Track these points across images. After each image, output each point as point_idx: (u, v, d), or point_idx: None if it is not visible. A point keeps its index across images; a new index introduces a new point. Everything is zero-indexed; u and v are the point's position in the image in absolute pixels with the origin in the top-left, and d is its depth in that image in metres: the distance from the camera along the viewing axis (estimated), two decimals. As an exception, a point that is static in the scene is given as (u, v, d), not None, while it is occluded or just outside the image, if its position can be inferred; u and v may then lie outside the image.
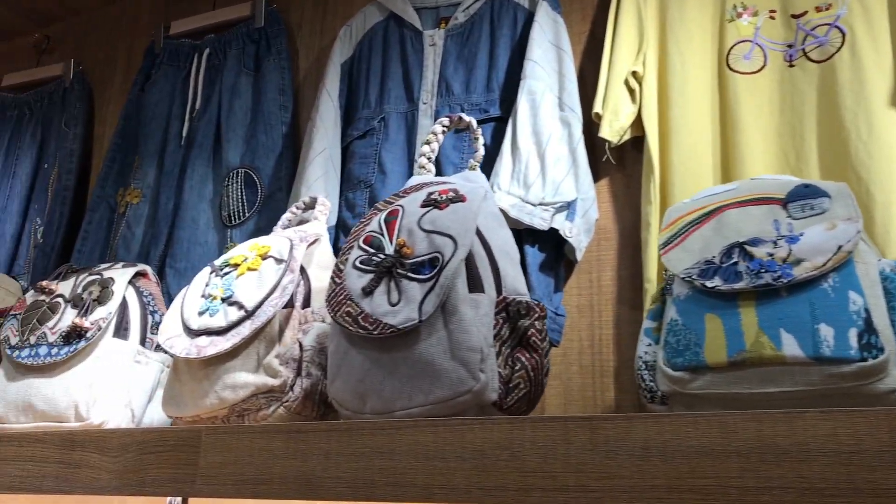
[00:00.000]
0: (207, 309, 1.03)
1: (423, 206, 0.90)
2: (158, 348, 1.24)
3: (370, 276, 0.87)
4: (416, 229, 0.88)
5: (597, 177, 1.18)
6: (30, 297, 1.26)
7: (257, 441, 0.84)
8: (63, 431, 0.99)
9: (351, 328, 0.85)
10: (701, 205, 0.86)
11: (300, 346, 0.99)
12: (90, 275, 1.25)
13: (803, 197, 0.80)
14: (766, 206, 0.82)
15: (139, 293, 1.24)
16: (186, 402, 1.01)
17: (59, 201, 1.69)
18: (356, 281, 0.88)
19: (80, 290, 1.22)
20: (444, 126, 1.02)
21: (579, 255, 1.13)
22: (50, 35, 1.99)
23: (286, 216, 1.22)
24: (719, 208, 0.84)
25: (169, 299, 1.44)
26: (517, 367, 0.84)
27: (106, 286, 1.21)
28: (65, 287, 1.24)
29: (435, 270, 0.83)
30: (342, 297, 0.88)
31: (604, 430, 0.67)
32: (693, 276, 0.78)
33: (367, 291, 0.86)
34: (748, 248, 0.78)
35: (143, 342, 1.22)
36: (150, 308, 1.25)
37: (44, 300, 1.23)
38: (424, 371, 0.81)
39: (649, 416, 0.66)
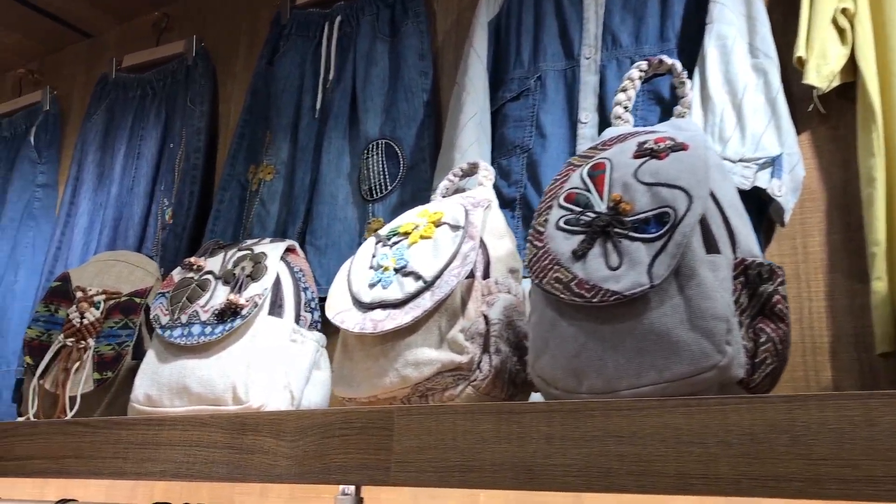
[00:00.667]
0: (379, 280, 0.94)
1: (636, 156, 0.79)
2: (312, 326, 1.17)
3: (580, 237, 0.77)
4: (634, 182, 0.77)
5: (796, 130, 1.05)
6: (177, 274, 1.20)
7: (461, 423, 0.75)
8: (231, 414, 0.92)
9: (562, 296, 0.75)
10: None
11: (486, 319, 0.89)
12: (240, 250, 1.18)
13: None
14: None
15: (290, 269, 1.17)
16: (360, 382, 0.92)
17: (188, 181, 1.65)
18: (563, 243, 0.78)
19: (230, 266, 1.15)
20: (641, 71, 0.90)
21: (787, 217, 1.00)
22: (169, 13, 1.95)
23: (443, 184, 1.12)
24: None
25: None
26: (762, 340, 0.72)
27: (258, 261, 1.14)
28: (213, 263, 1.18)
29: (665, 228, 0.72)
30: (547, 261, 0.78)
31: (921, 408, 0.55)
32: None
33: (579, 254, 0.76)
34: None
35: (297, 320, 1.15)
36: (302, 284, 1.18)
37: (192, 277, 1.17)
38: (657, 344, 0.70)
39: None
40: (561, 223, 0.79)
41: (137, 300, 1.29)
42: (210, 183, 1.69)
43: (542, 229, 0.81)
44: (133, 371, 1.26)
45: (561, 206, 0.81)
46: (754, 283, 0.74)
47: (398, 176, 1.38)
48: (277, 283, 1.14)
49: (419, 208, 1.02)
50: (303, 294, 1.17)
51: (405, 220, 1.01)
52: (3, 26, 2.11)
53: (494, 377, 0.87)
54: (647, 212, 0.74)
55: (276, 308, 1.12)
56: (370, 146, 1.42)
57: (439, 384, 0.88)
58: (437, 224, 0.96)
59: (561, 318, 0.76)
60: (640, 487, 0.65)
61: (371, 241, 1.02)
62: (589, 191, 0.80)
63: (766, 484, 0.60)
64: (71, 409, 1.21)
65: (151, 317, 1.15)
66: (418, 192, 1.35)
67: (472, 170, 1.12)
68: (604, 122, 1.16)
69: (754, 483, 0.60)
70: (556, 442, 0.70)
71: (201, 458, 0.92)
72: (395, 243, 0.98)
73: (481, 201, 0.98)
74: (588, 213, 0.78)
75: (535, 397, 0.96)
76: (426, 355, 0.87)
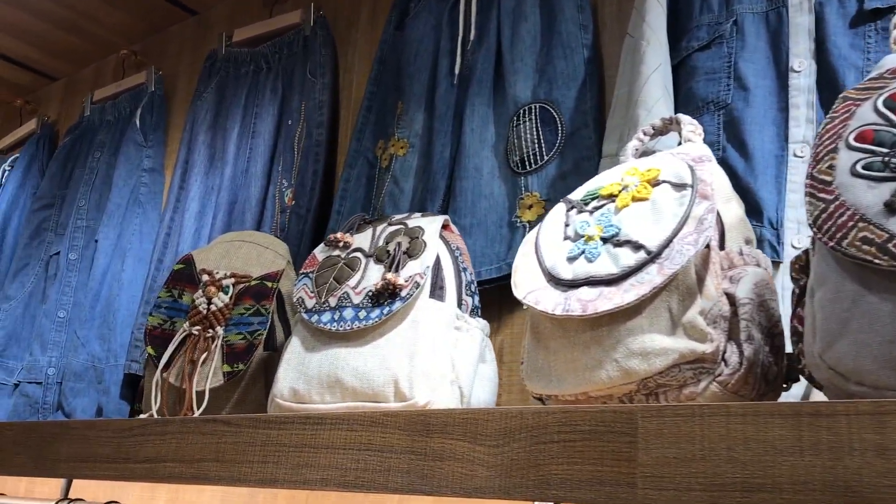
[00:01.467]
0: (582, 252, 0.77)
1: (961, 80, 0.61)
2: (473, 313, 1.01)
3: (892, 184, 0.59)
4: (968, 111, 0.58)
5: None
6: (320, 252, 1.05)
7: (739, 427, 0.57)
8: (414, 412, 0.76)
9: (877, 261, 0.57)
10: None
11: (730, 299, 0.71)
12: (391, 225, 1.03)
13: None
14: None
15: (448, 246, 1.01)
16: (563, 376, 0.75)
17: (310, 159, 1.51)
18: (866, 194, 0.59)
19: (382, 243, 1.00)
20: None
21: None
22: (283, -16, 1.83)
23: (632, 144, 0.95)
24: None
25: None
26: None
27: (415, 237, 0.98)
28: (362, 240, 1.03)
29: None
30: (845, 217, 0.60)
31: None
32: None
33: (894, 207, 0.57)
34: None
35: (458, 305, 0.99)
36: (461, 264, 1.02)
37: (338, 256, 1.03)
38: None
39: None
40: (859, 168, 0.61)
41: (269, 284, 1.15)
42: (333, 161, 1.55)
43: (828, 178, 0.63)
44: (265, 363, 1.13)
45: (852, 148, 0.62)
46: None
47: (556, 144, 1.21)
48: (437, 263, 0.98)
49: (623, 166, 0.85)
50: (463, 275, 1.01)
51: (605, 180, 0.83)
52: (106, 4, 2.03)
53: (747, 372, 0.69)
54: None
55: (436, 290, 0.97)
56: (521, 112, 1.25)
57: (675, 379, 0.70)
58: (654, 183, 0.78)
59: (869, 292, 0.58)
60: None
61: (559, 207, 0.86)
62: (894, 126, 0.61)
63: None
64: (199, 406, 1.08)
65: (295, 300, 1.00)
66: (581, 162, 1.18)
67: (666, 127, 0.95)
68: (823, 70, 0.97)
69: None
70: (892, 454, 0.51)
71: (374, 465, 0.76)
72: (598, 208, 0.81)
73: (703, 156, 0.80)
74: (901, 155, 0.59)
75: (786, 398, 0.78)
76: (657, 343, 0.70)
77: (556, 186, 1.18)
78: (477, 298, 1.03)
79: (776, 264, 0.95)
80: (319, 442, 0.81)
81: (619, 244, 0.75)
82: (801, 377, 0.79)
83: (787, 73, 1.00)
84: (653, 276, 0.71)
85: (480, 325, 0.99)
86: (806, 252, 0.68)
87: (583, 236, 0.79)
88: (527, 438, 0.67)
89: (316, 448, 0.81)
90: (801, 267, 0.68)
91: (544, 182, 1.20)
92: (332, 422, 0.81)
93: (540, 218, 1.17)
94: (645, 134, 0.96)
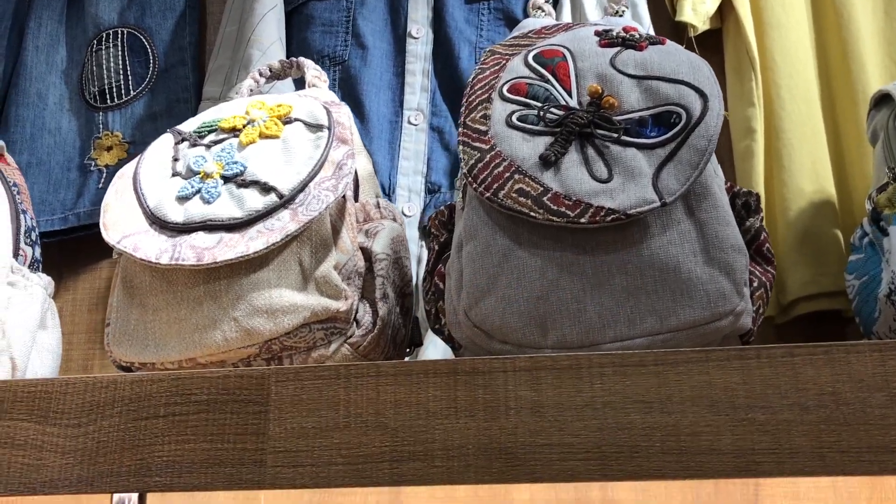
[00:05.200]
0: (197, 192, 0.64)
1: (604, 45, 0.61)
2: (33, 267, 0.80)
3: (545, 138, 0.57)
4: (615, 74, 0.59)
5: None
6: None
7: (389, 389, 0.50)
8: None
9: (534, 214, 0.54)
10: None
11: (366, 254, 0.65)
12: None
13: None
14: None
15: (4, 180, 0.79)
16: (164, 339, 0.62)
17: None
18: (522, 146, 0.57)
19: None
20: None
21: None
22: None
23: (248, 83, 0.83)
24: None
25: None
26: (755, 285, 0.59)
27: (-45, 159, 0.74)
28: None
29: (674, 131, 0.55)
30: (502, 168, 0.57)
31: None
32: None
33: (550, 160, 0.56)
34: None
35: (15, 254, 0.77)
36: (20, 205, 0.80)
37: None
38: (660, 282, 0.54)
39: None
40: (514, 120, 0.58)
41: None
42: None
43: (483, 127, 0.59)
44: None
45: (507, 99, 0.60)
46: (740, 215, 0.60)
47: (147, 78, 1.03)
48: (-12, 197, 0.75)
49: (245, 99, 0.73)
50: (22, 218, 0.80)
51: (226, 111, 0.71)
52: None
53: (380, 333, 0.63)
54: (641, 110, 0.57)
55: (-15, 233, 0.74)
56: (104, 36, 1.05)
57: (303, 341, 0.61)
58: (285, 120, 0.68)
59: (518, 247, 0.56)
60: (682, 471, 0.47)
61: (166, 139, 0.71)
62: (548, 81, 0.60)
63: (861, 458, 0.46)
64: None
65: None
66: (175, 104, 1.02)
67: (285, 71, 0.85)
68: (440, 40, 0.97)
69: (845, 458, 0.46)
70: (549, 413, 0.49)
71: None
72: (217, 142, 0.68)
73: (335, 101, 0.73)
74: (553, 110, 0.58)
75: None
76: (287, 299, 0.60)
77: (144, 128, 1.01)
78: (38, 250, 0.82)
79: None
80: None
81: (243, 184, 0.64)
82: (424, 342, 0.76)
83: (406, 37, 0.98)
84: (285, 223, 0.61)
85: (43, 281, 0.78)
86: (448, 206, 0.65)
87: (198, 173, 0.66)
88: (121, 414, 0.53)
89: None
90: (441, 222, 0.64)
91: (129, 121, 1.02)
92: None
93: (122, 162, 0.99)
94: (261, 75, 0.85)
